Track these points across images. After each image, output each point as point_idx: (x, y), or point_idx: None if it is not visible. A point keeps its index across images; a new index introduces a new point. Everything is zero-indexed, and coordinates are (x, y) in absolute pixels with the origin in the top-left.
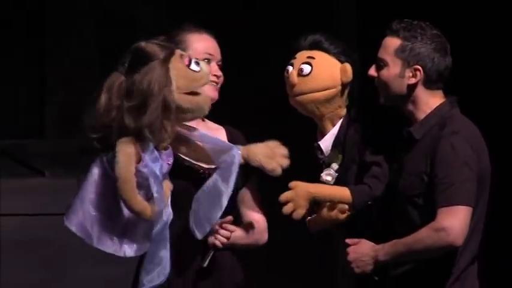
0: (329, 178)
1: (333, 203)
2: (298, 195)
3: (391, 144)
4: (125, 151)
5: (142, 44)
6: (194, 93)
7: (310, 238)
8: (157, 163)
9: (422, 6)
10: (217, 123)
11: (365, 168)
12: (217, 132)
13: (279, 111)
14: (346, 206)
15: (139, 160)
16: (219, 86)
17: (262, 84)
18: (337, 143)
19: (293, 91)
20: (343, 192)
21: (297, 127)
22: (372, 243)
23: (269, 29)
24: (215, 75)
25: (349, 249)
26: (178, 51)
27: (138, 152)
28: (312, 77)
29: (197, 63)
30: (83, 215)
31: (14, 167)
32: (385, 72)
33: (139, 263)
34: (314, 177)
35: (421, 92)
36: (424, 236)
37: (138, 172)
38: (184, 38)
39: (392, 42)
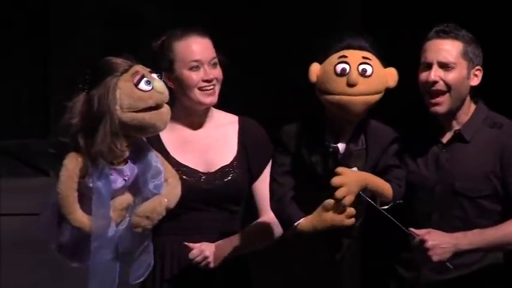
0: None
1: (376, 195)
2: (351, 180)
3: (414, 148)
4: (68, 166)
5: (105, 59)
6: (148, 110)
7: (313, 237)
8: (105, 180)
9: (427, 7)
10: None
11: (385, 170)
12: (228, 126)
13: (285, 110)
14: (354, 211)
15: (86, 174)
16: (216, 88)
17: (268, 83)
18: (357, 147)
19: (352, 90)
20: (387, 187)
21: None
22: (445, 233)
23: (274, 29)
24: (206, 81)
25: (426, 237)
26: (133, 68)
27: (85, 166)
28: (373, 78)
29: (148, 82)
30: (45, 222)
31: (19, 167)
32: (455, 75)
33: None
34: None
35: (470, 94)
36: None
37: (86, 187)
38: (172, 47)
39: (454, 45)
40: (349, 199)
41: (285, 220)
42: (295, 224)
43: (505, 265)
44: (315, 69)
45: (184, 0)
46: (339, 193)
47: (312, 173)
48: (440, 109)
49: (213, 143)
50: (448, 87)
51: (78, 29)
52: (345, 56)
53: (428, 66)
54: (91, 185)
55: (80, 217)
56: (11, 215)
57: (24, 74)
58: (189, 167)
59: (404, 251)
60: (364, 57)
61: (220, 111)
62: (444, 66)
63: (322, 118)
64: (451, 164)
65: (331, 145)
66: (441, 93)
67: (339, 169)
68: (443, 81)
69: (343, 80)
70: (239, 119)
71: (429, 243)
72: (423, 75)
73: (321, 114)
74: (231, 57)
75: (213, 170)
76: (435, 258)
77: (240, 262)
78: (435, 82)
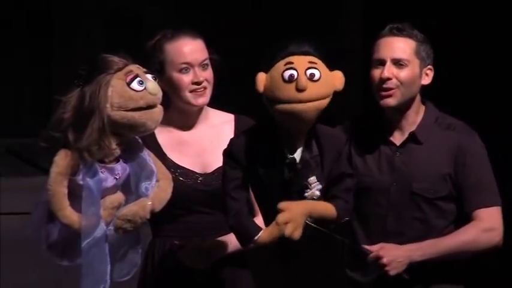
0: (318, 193)
1: (320, 219)
2: (296, 214)
3: (364, 151)
4: (58, 163)
5: (101, 56)
6: (138, 110)
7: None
8: (96, 177)
9: (427, 7)
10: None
11: (338, 178)
12: (224, 125)
13: None
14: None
15: (77, 171)
16: (207, 89)
17: None
18: (311, 155)
19: (302, 95)
20: (331, 209)
21: None
22: (398, 245)
23: (276, 29)
24: (196, 83)
25: (381, 253)
26: (128, 67)
27: (77, 163)
28: (321, 83)
29: (141, 83)
30: (36, 220)
31: (21, 166)
32: (407, 72)
33: (142, 269)
34: None
35: (420, 93)
36: (473, 237)
37: (76, 184)
38: (162, 49)
39: (407, 43)
40: (297, 234)
41: (244, 235)
42: (256, 238)
43: (463, 261)
44: (261, 78)
45: (186, 0)
46: (287, 231)
47: (267, 184)
48: (391, 101)
49: (209, 143)
50: (400, 85)
51: (80, 29)
52: (291, 62)
53: (381, 63)
54: (81, 182)
55: (69, 214)
56: (13, 214)
57: (27, 74)
58: (186, 169)
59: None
60: (310, 62)
61: (216, 110)
62: (397, 63)
63: (273, 128)
64: (406, 165)
65: (288, 156)
66: (391, 90)
67: (281, 205)
68: (396, 78)
69: (292, 86)
70: (235, 117)
71: (385, 259)
72: (376, 72)
73: (272, 124)
74: (232, 57)
75: (209, 171)
76: (392, 272)
77: (239, 262)
78: (388, 79)
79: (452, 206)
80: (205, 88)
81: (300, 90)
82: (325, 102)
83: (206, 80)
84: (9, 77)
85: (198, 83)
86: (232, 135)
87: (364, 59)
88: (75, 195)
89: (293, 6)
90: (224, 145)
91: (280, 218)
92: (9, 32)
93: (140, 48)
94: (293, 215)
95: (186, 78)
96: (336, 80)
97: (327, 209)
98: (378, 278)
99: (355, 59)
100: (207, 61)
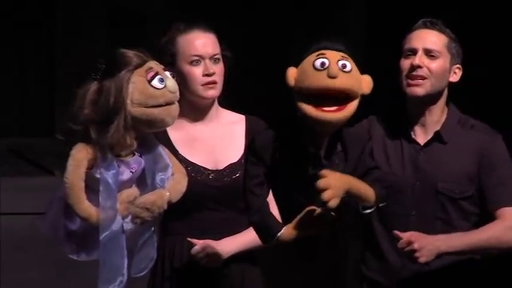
0: None
1: (357, 199)
2: (336, 183)
3: (386, 148)
4: (76, 156)
5: (119, 51)
6: (157, 106)
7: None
8: (112, 170)
9: (430, 6)
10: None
11: (366, 172)
12: (235, 125)
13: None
14: (335, 216)
15: (93, 165)
16: (218, 84)
17: (279, 80)
18: (336, 151)
19: (333, 82)
20: (370, 191)
21: None
22: (427, 235)
23: (281, 28)
24: (206, 75)
25: (413, 239)
26: (148, 64)
27: (94, 156)
28: (352, 75)
29: (161, 80)
30: (52, 215)
31: (24, 166)
32: (438, 64)
33: (152, 269)
34: None
35: (446, 92)
36: (497, 234)
37: (93, 178)
38: (174, 41)
39: (439, 37)
40: (334, 202)
41: (266, 232)
42: (278, 235)
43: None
44: (292, 72)
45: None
46: (324, 196)
47: (291, 180)
48: (419, 90)
49: (220, 141)
50: (430, 75)
51: (83, 29)
52: (323, 53)
53: (413, 53)
54: (98, 176)
55: (87, 207)
56: (15, 214)
57: (30, 74)
58: (197, 165)
59: (379, 257)
60: (342, 56)
61: (227, 110)
62: (429, 53)
63: (297, 124)
64: (431, 164)
65: (313, 151)
66: (422, 78)
67: (324, 172)
68: (427, 68)
69: (323, 73)
70: (246, 118)
71: (416, 245)
72: (406, 61)
73: (296, 121)
74: (239, 57)
75: (221, 168)
76: (422, 259)
77: (248, 260)
78: (419, 67)
79: (475, 208)
80: (215, 82)
81: (331, 77)
82: (352, 106)
83: (217, 73)
84: (13, 77)
85: (209, 75)
86: (243, 135)
87: (367, 51)
88: (91, 189)
89: (299, 5)
90: (235, 144)
91: (321, 182)
92: (12, 31)
93: (143, 47)
94: (334, 183)
95: (197, 71)
96: (364, 83)
97: (366, 189)
98: (397, 280)
99: (359, 52)
100: (219, 56)
